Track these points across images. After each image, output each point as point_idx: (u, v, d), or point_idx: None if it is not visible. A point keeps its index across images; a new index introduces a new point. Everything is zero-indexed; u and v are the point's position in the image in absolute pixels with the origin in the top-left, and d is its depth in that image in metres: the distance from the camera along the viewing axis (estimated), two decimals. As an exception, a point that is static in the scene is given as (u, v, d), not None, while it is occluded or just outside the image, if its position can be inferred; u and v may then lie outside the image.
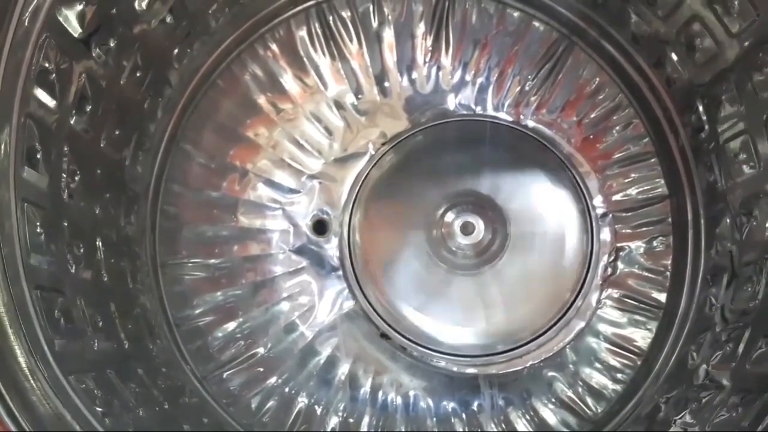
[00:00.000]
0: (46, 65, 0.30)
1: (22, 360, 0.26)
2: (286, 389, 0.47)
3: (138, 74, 0.39)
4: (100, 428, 0.27)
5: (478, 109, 0.51)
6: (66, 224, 0.33)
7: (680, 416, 0.37)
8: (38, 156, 0.31)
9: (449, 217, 0.50)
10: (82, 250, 0.34)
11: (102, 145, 0.37)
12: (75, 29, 0.33)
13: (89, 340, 0.32)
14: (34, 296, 0.28)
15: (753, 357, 0.34)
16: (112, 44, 0.35)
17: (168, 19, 0.41)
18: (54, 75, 0.31)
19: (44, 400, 0.26)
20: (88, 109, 0.35)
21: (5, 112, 0.28)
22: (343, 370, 0.48)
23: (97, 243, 0.36)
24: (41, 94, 0.31)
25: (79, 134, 0.35)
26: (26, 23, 0.29)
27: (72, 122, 0.34)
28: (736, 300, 0.39)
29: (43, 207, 0.31)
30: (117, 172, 0.40)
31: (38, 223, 0.30)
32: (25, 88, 0.29)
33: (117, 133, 0.38)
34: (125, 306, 0.38)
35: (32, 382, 0.26)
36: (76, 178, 0.34)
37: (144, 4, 0.38)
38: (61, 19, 0.32)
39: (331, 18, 0.50)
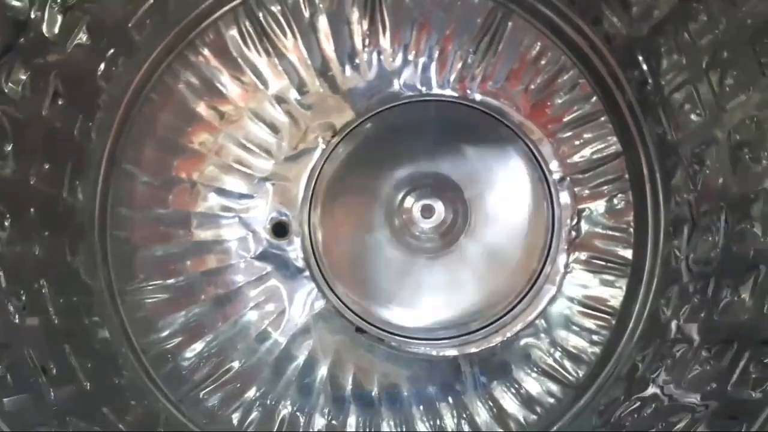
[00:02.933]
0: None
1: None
2: (267, 400, 0.46)
3: (60, 102, 0.37)
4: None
5: (424, 89, 0.50)
6: (1, 274, 0.31)
7: (656, 374, 0.37)
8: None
9: (408, 202, 0.49)
10: (24, 297, 0.32)
11: (32, 182, 0.35)
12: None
13: (43, 390, 0.31)
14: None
15: (720, 307, 0.34)
16: (24, 77, 0.33)
17: (84, 39, 0.39)
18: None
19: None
20: (8, 150, 0.33)
21: None
22: (322, 371, 0.47)
23: (42, 285, 0.35)
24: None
25: (4, 177, 0.33)
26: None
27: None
28: (698, 250, 0.39)
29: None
30: (54, 207, 0.38)
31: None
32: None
33: (47, 167, 0.37)
34: (82, 344, 0.36)
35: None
36: (6, 224, 0.32)
37: (55, 29, 0.36)
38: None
39: (260, 14, 0.49)
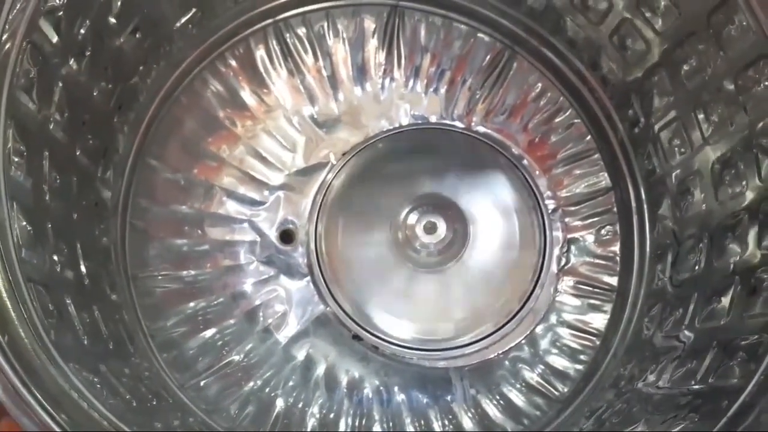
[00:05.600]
0: (29, 70, 0.31)
1: (27, 341, 0.27)
2: (264, 394, 0.48)
3: (109, 86, 0.40)
4: (105, 410, 0.27)
5: (432, 118, 0.54)
6: (49, 225, 0.34)
7: (642, 380, 0.40)
8: (24, 158, 0.32)
9: (412, 219, 0.52)
10: (65, 251, 0.34)
11: (77, 153, 0.38)
12: (53, 37, 0.34)
13: (80, 335, 0.33)
14: (29, 287, 0.29)
15: (702, 316, 0.37)
16: (87, 54, 0.36)
17: (137, 35, 0.42)
18: (35, 80, 0.32)
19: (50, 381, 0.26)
20: (65, 116, 0.36)
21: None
22: (318, 372, 0.49)
23: (77, 248, 0.37)
24: (24, 98, 0.32)
25: (58, 140, 0.36)
26: (8, 28, 0.30)
27: (51, 128, 0.35)
28: (682, 270, 0.42)
29: (28, 206, 0.32)
30: (91, 182, 0.40)
31: (25, 222, 0.31)
32: (10, 91, 0.30)
33: (91, 143, 0.39)
34: (107, 312, 0.38)
35: (37, 362, 0.26)
36: (57, 183, 0.35)
37: (113, 17, 0.39)
38: (41, 25, 0.33)
39: (288, 35, 0.53)
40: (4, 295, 0.27)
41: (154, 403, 0.36)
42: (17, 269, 0.28)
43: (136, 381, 0.36)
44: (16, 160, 0.31)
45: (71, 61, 0.36)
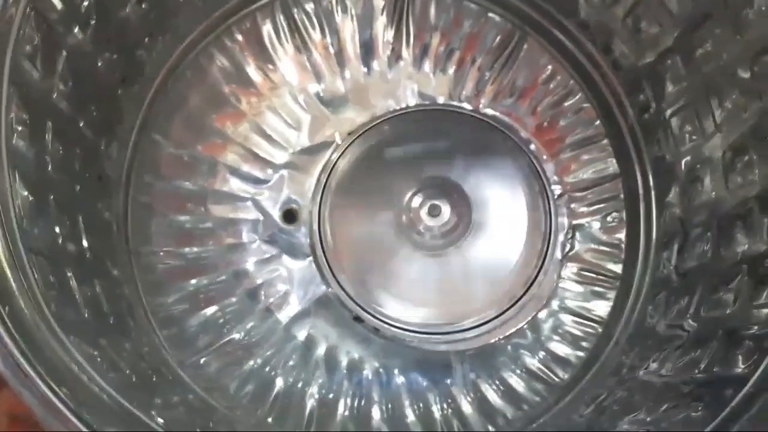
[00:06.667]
0: (32, 38, 0.31)
1: (27, 313, 0.26)
2: (264, 372, 0.47)
3: (114, 57, 0.40)
4: (105, 384, 0.27)
5: (440, 99, 0.53)
6: (52, 197, 0.33)
7: (644, 367, 0.39)
8: (27, 126, 0.31)
9: (416, 201, 0.52)
10: (67, 224, 0.34)
11: (81, 125, 0.37)
12: (57, 4, 0.33)
13: (81, 308, 0.32)
14: (30, 258, 0.29)
15: (707, 305, 0.37)
16: (91, 24, 0.36)
17: (143, 5, 0.41)
18: (39, 48, 0.31)
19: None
20: (69, 86, 0.35)
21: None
22: (319, 352, 0.49)
23: (79, 221, 0.36)
24: (27, 65, 0.31)
25: (62, 110, 0.35)
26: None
27: (54, 97, 0.35)
28: (688, 258, 0.42)
29: (30, 177, 0.32)
30: (94, 154, 0.40)
31: (27, 193, 0.31)
32: (13, 58, 0.29)
33: (95, 114, 0.39)
34: (108, 286, 0.38)
35: (38, 334, 0.26)
36: (60, 154, 0.34)
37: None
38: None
39: (295, 10, 0.52)
40: (5, 264, 0.27)
41: (154, 379, 0.36)
42: (18, 239, 0.28)
43: (136, 357, 0.36)
44: (19, 129, 0.31)
45: (76, 30, 0.35)
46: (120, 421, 0.29)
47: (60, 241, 0.33)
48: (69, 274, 0.33)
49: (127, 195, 0.47)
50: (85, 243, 0.37)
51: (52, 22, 0.34)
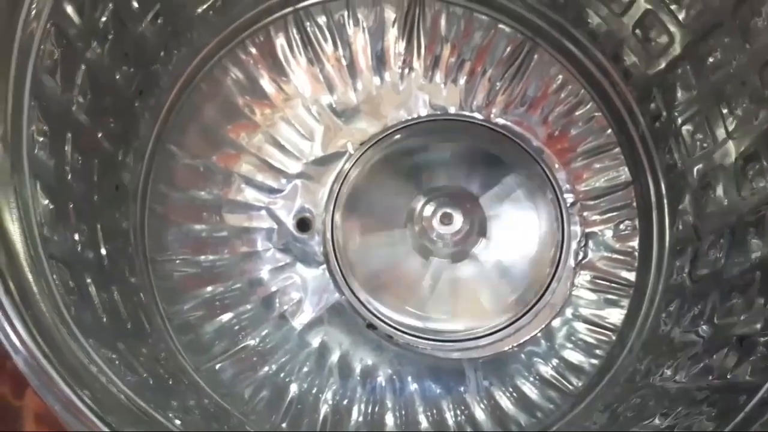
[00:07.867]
0: (52, 53, 0.32)
1: (48, 316, 0.27)
2: (278, 379, 0.48)
3: (131, 71, 0.40)
4: (123, 386, 0.28)
5: (451, 109, 0.54)
6: (71, 206, 0.34)
7: (658, 374, 0.39)
8: (47, 137, 0.32)
9: (428, 210, 0.52)
10: (86, 232, 0.35)
11: (99, 136, 0.38)
12: (76, 19, 0.34)
13: (99, 313, 0.33)
14: (51, 264, 0.29)
15: (721, 311, 0.37)
16: (109, 38, 0.37)
17: (159, 21, 0.43)
18: (59, 63, 0.32)
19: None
20: (88, 99, 0.36)
21: (19, 92, 0.30)
22: (333, 359, 0.49)
23: (98, 229, 0.37)
24: (48, 80, 0.32)
25: (81, 122, 0.36)
26: (34, 8, 0.30)
27: (74, 110, 0.36)
28: (701, 266, 0.42)
29: (51, 186, 0.32)
30: (112, 165, 0.41)
31: (47, 201, 0.32)
32: (34, 72, 0.30)
33: (112, 126, 0.40)
34: (126, 293, 0.38)
35: (58, 337, 0.27)
36: (79, 164, 0.35)
37: (135, 2, 0.39)
38: (65, 8, 0.33)
39: (308, 24, 0.53)
40: (27, 269, 0.27)
41: (171, 383, 0.36)
42: (39, 245, 0.29)
43: (153, 361, 0.37)
44: (41, 140, 0.32)
45: (94, 45, 0.36)
46: (138, 421, 0.29)
47: (79, 249, 0.34)
48: (88, 281, 0.34)
49: (143, 204, 0.47)
50: (103, 250, 0.38)
51: (72, 38, 0.35)
